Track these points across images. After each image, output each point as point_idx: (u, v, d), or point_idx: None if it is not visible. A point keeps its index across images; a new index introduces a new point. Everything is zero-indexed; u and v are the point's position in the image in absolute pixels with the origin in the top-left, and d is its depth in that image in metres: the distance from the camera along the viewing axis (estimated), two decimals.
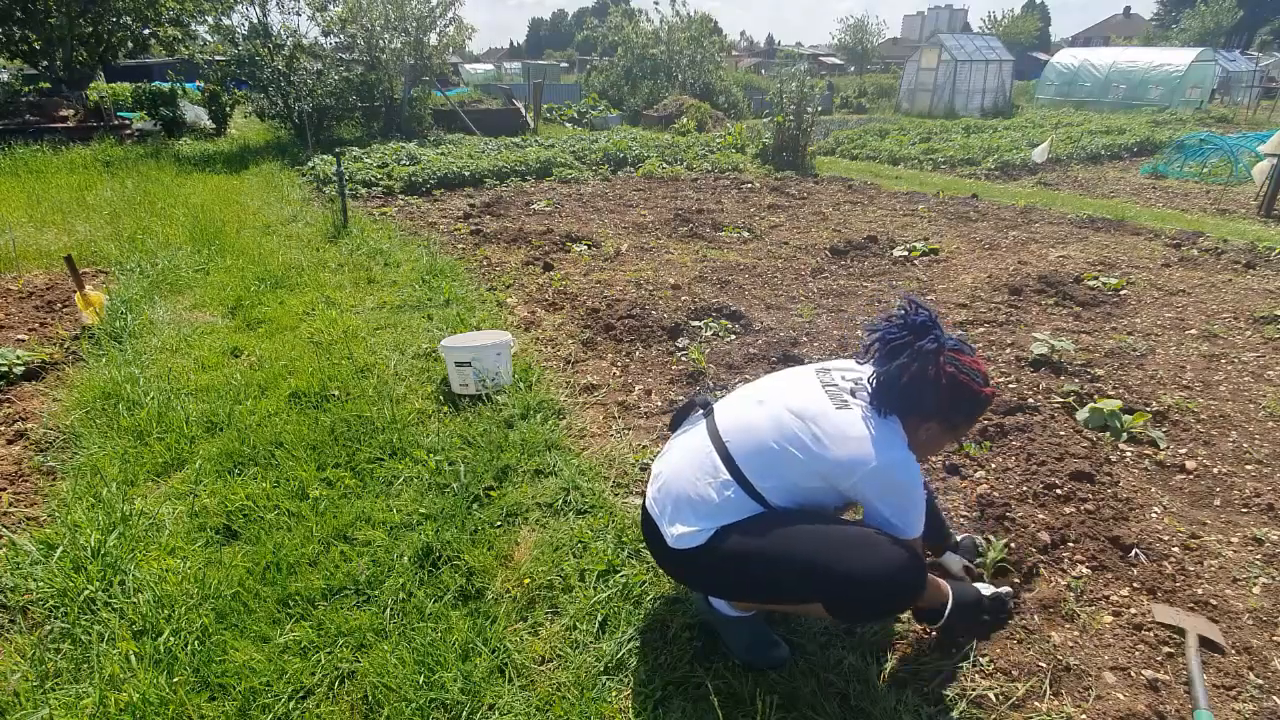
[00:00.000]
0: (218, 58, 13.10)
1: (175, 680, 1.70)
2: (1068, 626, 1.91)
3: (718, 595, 1.77)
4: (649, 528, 1.75)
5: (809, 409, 1.62)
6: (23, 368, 3.37)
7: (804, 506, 1.65)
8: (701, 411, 1.82)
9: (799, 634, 1.87)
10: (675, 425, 1.89)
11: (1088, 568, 2.11)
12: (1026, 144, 11.14)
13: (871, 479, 1.54)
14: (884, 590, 1.54)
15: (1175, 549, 2.20)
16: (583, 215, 7.16)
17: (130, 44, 15.18)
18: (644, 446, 2.79)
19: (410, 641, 1.83)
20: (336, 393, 3.20)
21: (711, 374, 3.43)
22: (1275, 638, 1.87)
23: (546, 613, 1.96)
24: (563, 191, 8.53)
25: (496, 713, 1.65)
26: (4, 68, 15.95)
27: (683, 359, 3.60)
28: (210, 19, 13.99)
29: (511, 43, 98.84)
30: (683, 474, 1.69)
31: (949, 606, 1.74)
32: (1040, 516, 2.32)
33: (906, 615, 1.91)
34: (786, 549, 1.56)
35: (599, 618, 1.91)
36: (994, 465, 2.65)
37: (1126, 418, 2.88)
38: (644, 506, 1.79)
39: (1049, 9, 66.58)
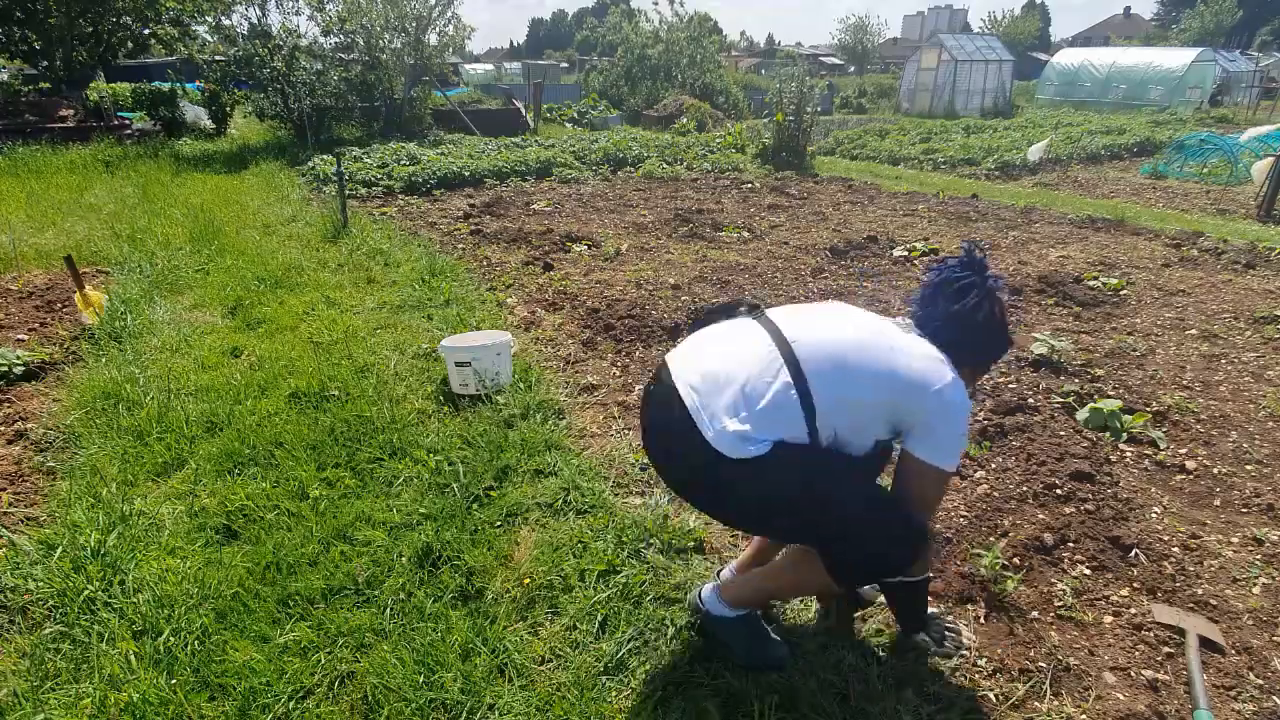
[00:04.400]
0: (217, 58, 13.09)
1: (175, 680, 1.70)
2: (1068, 626, 1.91)
3: (721, 515, 1.66)
4: (670, 423, 1.54)
5: (881, 325, 1.60)
6: (23, 368, 3.36)
7: (840, 438, 1.55)
8: (747, 311, 1.68)
9: (798, 634, 1.87)
10: (704, 324, 1.71)
11: (1088, 568, 2.11)
12: (1026, 144, 11.14)
13: (938, 399, 1.50)
14: (892, 546, 1.54)
15: (1175, 549, 2.20)
16: (583, 215, 7.15)
17: (130, 44, 15.18)
18: (644, 446, 2.79)
19: (410, 641, 1.83)
20: (336, 393, 3.20)
21: None
22: (1275, 638, 1.87)
23: (546, 613, 1.95)
24: (563, 191, 8.53)
25: (496, 713, 1.65)
26: (4, 68, 15.95)
27: None
28: (210, 19, 14.00)
29: (511, 43, 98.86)
30: (739, 366, 1.52)
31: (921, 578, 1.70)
32: (1040, 516, 2.32)
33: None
34: (826, 481, 1.51)
35: (599, 618, 1.91)
36: (994, 465, 2.65)
37: (1126, 418, 2.88)
38: (654, 399, 1.60)
39: (1049, 9, 66.59)
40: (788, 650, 1.79)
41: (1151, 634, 1.88)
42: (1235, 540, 2.25)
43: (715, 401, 1.50)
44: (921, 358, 1.53)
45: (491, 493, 2.49)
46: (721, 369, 1.54)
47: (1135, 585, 2.06)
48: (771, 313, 1.65)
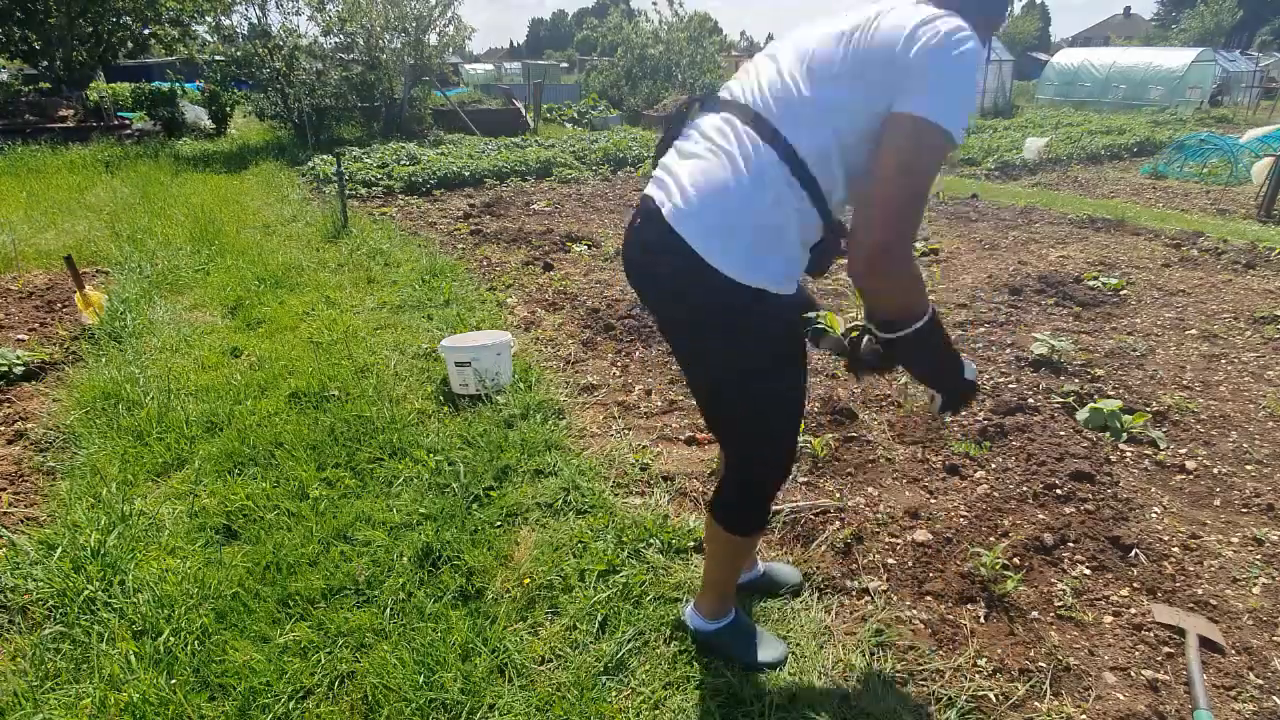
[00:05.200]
0: (217, 58, 13.09)
1: (175, 680, 1.70)
2: (1068, 626, 1.91)
3: (704, 371, 1.50)
4: (670, 255, 1.32)
5: (834, 26, 1.28)
6: (23, 368, 3.36)
7: (824, 151, 1.27)
8: (701, 107, 1.43)
9: (798, 633, 1.87)
10: (664, 145, 1.47)
11: (1088, 568, 2.11)
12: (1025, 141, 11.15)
13: (934, 44, 1.15)
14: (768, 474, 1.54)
15: (1175, 549, 2.20)
16: (583, 215, 7.16)
17: (130, 44, 15.19)
18: (644, 446, 2.79)
19: (410, 641, 1.83)
20: (336, 393, 3.20)
21: None
22: (1275, 638, 1.87)
23: (546, 613, 1.95)
24: (563, 191, 8.53)
25: (496, 713, 1.65)
26: (4, 68, 15.96)
27: None
28: (210, 19, 14.00)
29: (511, 43, 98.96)
30: (715, 174, 1.30)
31: (927, 317, 1.30)
32: (1040, 516, 2.32)
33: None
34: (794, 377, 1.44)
35: (599, 618, 1.91)
36: (994, 465, 2.65)
37: (1126, 418, 2.88)
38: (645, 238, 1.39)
39: (1049, 9, 66.63)
40: (785, 648, 1.79)
41: (1151, 634, 1.88)
42: (1235, 540, 2.25)
43: (692, 209, 1.32)
44: (905, 9, 1.21)
45: (491, 493, 2.49)
46: (697, 181, 1.32)
47: (1135, 585, 2.06)
48: (721, 94, 1.41)
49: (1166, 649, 1.84)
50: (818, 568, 2.13)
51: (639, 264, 1.46)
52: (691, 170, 1.34)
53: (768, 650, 1.77)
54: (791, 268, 1.37)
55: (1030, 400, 3.11)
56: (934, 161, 1.19)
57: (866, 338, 1.42)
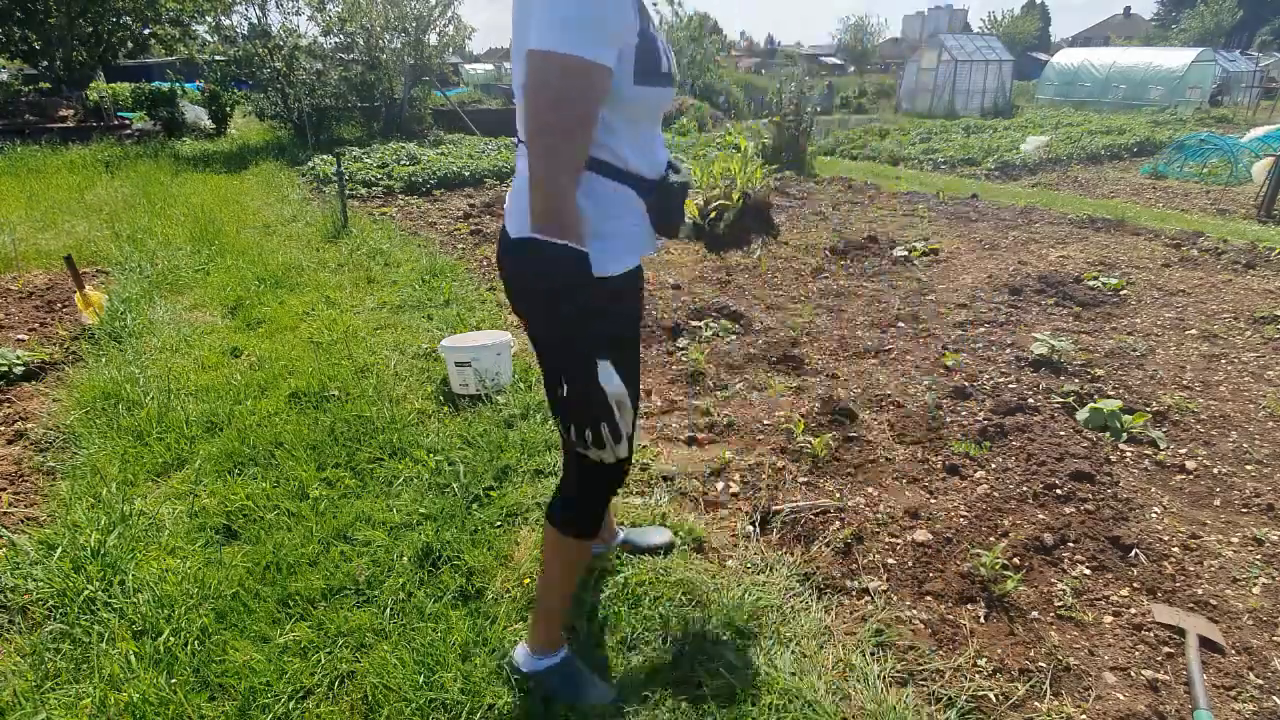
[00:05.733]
0: (217, 58, 13.10)
1: (175, 680, 1.70)
2: (1068, 626, 1.91)
3: (542, 357, 1.47)
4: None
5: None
6: (23, 368, 3.36)
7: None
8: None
9: (798, 632, 1.87)
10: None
11: (1088, 568, 2.11)
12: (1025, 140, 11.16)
13: None
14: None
15: (1175, 549, 2.20)
16: None
17: (130, 44, 15.20)
18: (644, 446, 2.79)
19: (410, 641, 1.83)
20: (336, 393, 3.20)
21: (711, 374, 3.43)
22: (1275, 638, 1.87)
23: None
24: None
25: (496, 713, 1.65)
26: (4, 68, 15.96)
27: (683, 359, 3.60)
28: (210, 19, 14.01)
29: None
30: (519, 186, 1.36)
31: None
32: (1040, 516, 2.32)
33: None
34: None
35: (599, 618, 1.91)
36: (994, 465, 2.65)
37: (1126, 418, 2.88)
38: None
39: (1049, 9, 66.47)
40: (609, 691, 1.69)
41: (1151, 634, 1.88)
42: (1235, 540, 2.25)
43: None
44: None
45: (491, 493, 2.49)
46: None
47: (1135, 585, 2.06)
48: None
49: (1166, 649, 1.84)
50: (818, 568, 2.13)
51: (500, 265, 1.49)
52: (511, 193, 1.43)
53: (590, 690, 1.67)
54: (611, 246, 1.32)
55: (1030, 400, 3.11)
56: (568, 91, 1.10)
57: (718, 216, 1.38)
